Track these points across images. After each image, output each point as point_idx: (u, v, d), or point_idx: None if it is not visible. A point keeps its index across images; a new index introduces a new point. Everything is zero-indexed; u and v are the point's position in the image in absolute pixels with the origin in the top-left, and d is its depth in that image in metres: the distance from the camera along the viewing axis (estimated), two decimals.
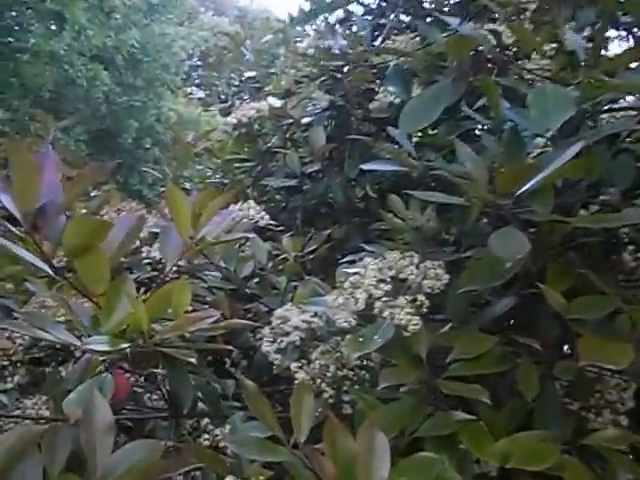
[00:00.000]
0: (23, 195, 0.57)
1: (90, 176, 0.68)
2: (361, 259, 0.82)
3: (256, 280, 1.23)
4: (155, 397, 0.93)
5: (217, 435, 0.81)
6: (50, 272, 0.61)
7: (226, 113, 2.27)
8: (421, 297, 0.67)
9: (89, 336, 0.64)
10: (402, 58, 0.95)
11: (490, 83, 0.72)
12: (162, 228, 0.76)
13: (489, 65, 0.83)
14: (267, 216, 1.32)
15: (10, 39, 2.75)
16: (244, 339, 1.05)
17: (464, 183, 0.62)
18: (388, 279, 0.69)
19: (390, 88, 0.90)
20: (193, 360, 0.61)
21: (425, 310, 0.68)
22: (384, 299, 0.67)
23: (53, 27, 5.22)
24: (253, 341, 1.09)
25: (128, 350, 0.63)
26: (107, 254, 0.62)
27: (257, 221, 1.32)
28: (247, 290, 1.17)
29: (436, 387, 0.70)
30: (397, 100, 1.09)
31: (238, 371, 1.13)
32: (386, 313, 0.66)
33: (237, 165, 1.89)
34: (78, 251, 0.59)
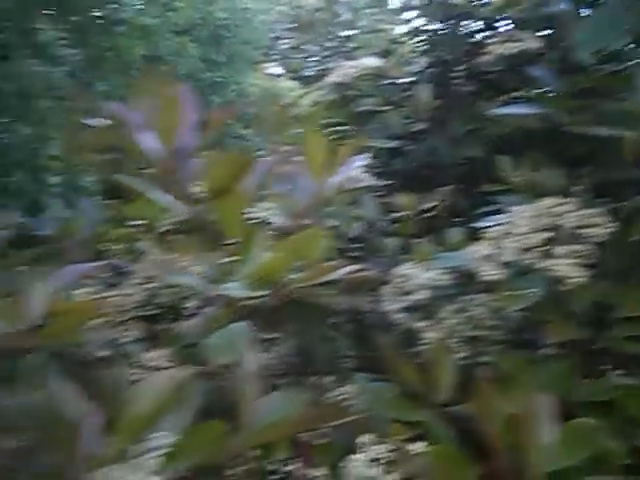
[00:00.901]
0: (166, 134, 0.54)
1: (219, 119, 0.65)
2: (498, 211, 0.76)
3: (363, 241, 1.20)
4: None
5: (342, 394, 0.78)
6: (191, 214, 0.59)
7: (315, 79, 2.22)
8: (582, 247, 0.60)
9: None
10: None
11: None
12: (291, 173, 0.72)
13: None
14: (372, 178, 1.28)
15: (107, 12, 2.79)
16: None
17: None
18: (543, 227, 0.62)
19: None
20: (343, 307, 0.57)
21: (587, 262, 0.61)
22: (540, 249, 0.60)
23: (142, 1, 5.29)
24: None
25: (264, 299, 0.61)
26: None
27: (362, 181, 1.28)
28: (354, 252, 1.14)
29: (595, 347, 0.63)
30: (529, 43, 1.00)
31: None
32: (543, 264, 0.60)
33: (331, 130, 1.85)
34: (220, 190, 0.56)
